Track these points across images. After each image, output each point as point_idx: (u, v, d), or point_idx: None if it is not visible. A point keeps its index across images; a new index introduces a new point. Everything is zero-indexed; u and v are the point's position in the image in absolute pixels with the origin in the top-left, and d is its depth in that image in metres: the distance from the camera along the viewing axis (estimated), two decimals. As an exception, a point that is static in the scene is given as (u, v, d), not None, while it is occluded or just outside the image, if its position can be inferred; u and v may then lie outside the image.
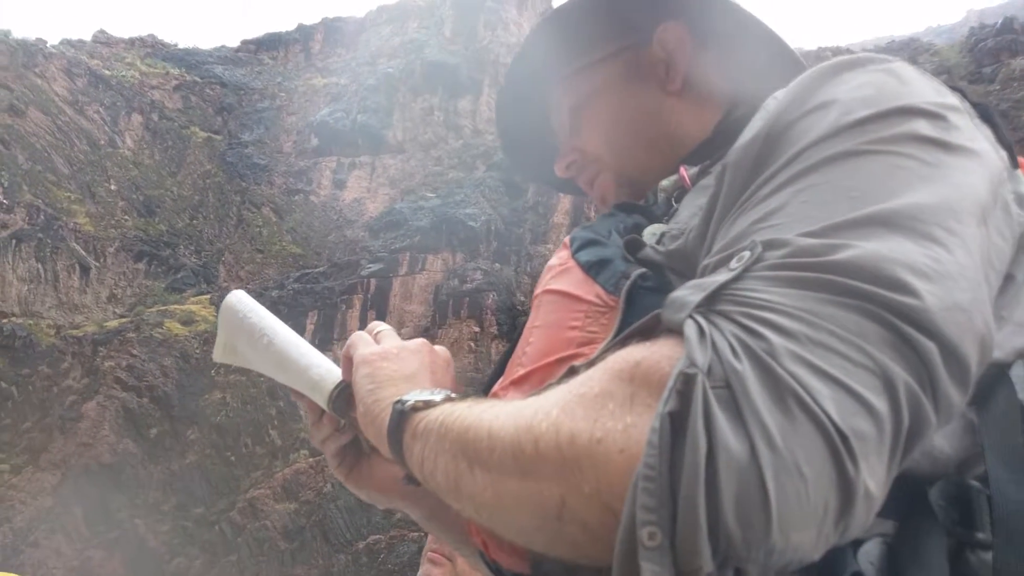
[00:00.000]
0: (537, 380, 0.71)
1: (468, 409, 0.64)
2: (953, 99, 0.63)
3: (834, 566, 0.52)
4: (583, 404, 0.52)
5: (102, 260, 24.87)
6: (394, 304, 21.27)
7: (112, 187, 26.13)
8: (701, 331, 0.49)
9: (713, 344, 0.48)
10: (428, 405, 0.72)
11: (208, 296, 23.04)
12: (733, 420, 0.45)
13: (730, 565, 0.45)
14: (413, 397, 0.74)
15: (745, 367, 0.46)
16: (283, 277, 23.17)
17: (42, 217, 24.48)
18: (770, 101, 0.65)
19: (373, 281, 21.60)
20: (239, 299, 1.08)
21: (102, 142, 26.62)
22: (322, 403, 0.97)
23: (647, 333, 0.56)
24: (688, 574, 0.44)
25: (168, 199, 26.56)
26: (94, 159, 26.26)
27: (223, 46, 30.12)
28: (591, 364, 0.57)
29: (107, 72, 27.37)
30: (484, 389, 0.85)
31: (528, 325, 0.79)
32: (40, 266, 24.03)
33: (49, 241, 24.28)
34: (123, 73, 27.72)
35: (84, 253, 24.74)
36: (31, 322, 23.35)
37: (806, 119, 0.60)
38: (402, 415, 0.73)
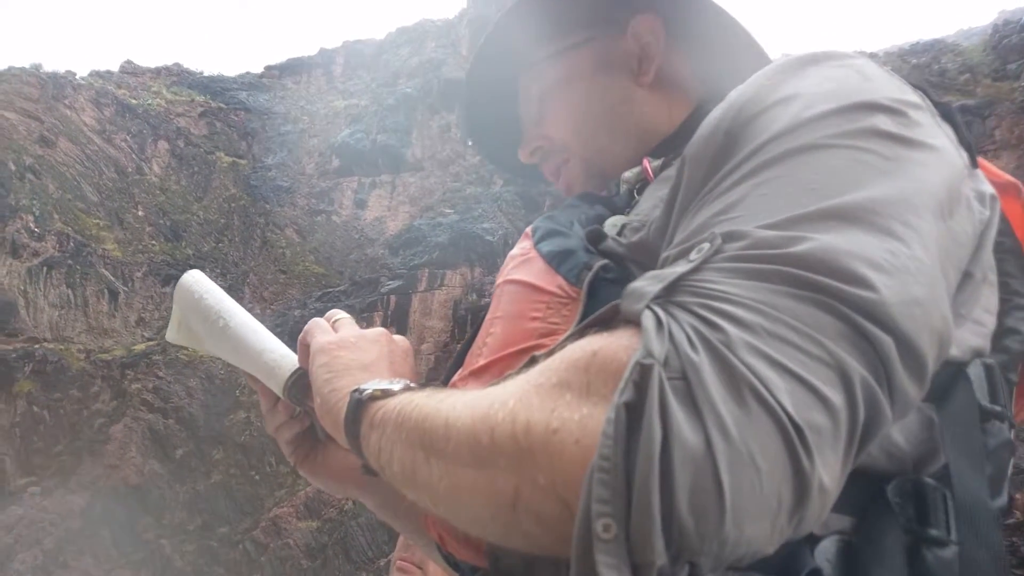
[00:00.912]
0: (497, 371, 0.70)
1: (426, 399, 0.64)
2: (915, 96, 0.63)
3: (792, 563, 0.53)
4: (540, 394, 0.52)
5: (130, 285, 25.27)
6: (414, 320, 21.32)
7: (140, 213, 26.59)
8: (659, 322, 0.49)
9: (670, 335, 0.48)
10: (386, 394, 0.71)
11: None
12: (689, 411, 0.44)
13: (684, 558, 0.44)
14: (371, 386, 0.73)
15: (702, 358, 0.46)
16: (306, 297, 23.38)
17: (72, 244, 24.95)
18: (732, 93, 0.65)
19: (393, 298, 21.69)
20: (196, 279, 1.06)
21: (130, 169, 27.14)
22: (277, 390, 0.96)
23: (606, 323, 0.55)
24: (642, 566, 0.43)
25: (194, 223, 26.96)
26: (122, 186, 26.77)
27: (247, 72, 30.65)
28: (550, 354, 0.56)
29: (134, 101, 27.95)
30: (444, 379, 0.84)
31: (489, 315, 0.78)
32: (70, 292, 24.46)
33: (79, 267, 24.72)
34: (149, 102, 28.28)
35: (113, 278, 25.15)
36: (62, 347, 23.74)
37: (768, 113, 0.60)
38: (359, 404, 0.72)
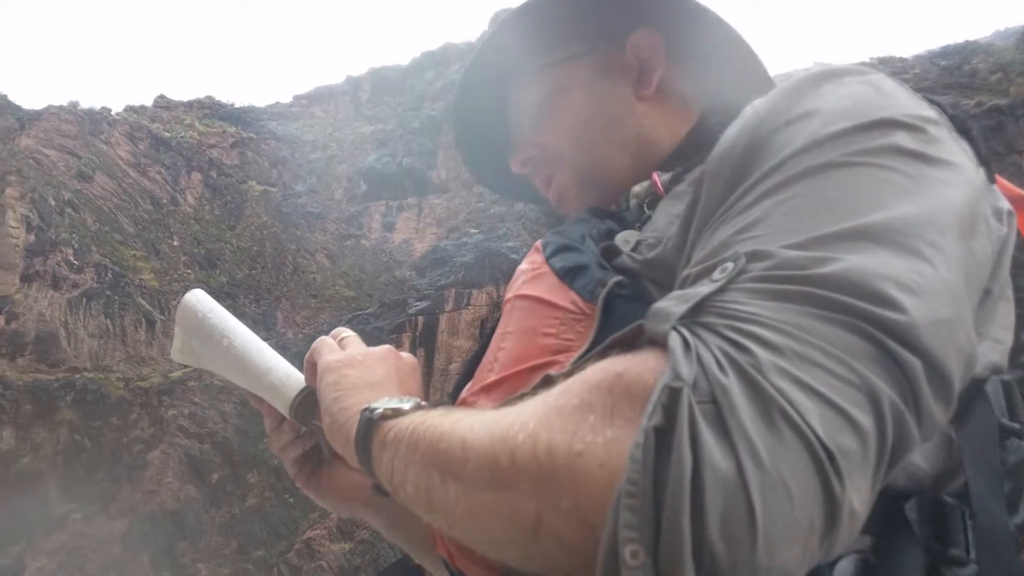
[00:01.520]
0: (510, 387, 0.70)
1: (440, 418, 0.64)
2: (932, 112, 0.63)
3: None
4: (562, 416, 0.51)
5: (167, 313, 25.74)
6: (442, 340, 21.40)
7: (175, 243, 27.12)
8: (686, 343, 0.48)
9: (699, 357, 0.47)
10: (398, 413, 0.71)
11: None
12: (719, 436, 0.43)
13: None
14: (382, 405, 0.73)
15: (731, 381, 0.45)
16: (336, 320, 23.61)
17: (110, 275, 25.50)
18: (748, 109, 0.65)
19: (420, 319, 21.81)
20: (198, 299, 1.06)
21: (164, 201, 27.73)
22: (283, 409, 0.96)
23: (628, 344, 0.55)
24: None
25: (228, 251, 27.42)
26: (157, 217, 27.35)
27: (277, 102, 31.19)
28: (569, 374, 0.55)
29: (167, 134, 28.60)
30: (452, 394, 0.84)
31: (499, 330, 0.78)
32: (109, 322, 24.97)
33: (117, 298, 25.24)
34: (182, 134, 28.92)
35: (150, 307, 25.65)
36: (101, 376, 24.23)
37: (787, 129, 0.60)
38: (370, 423, 0.72)
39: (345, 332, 0.95)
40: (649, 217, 0.82)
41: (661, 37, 0.94)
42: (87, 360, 24.54)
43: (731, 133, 0.64)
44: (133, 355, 24.98)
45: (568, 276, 0.74)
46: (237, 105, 31.49)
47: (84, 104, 27.06)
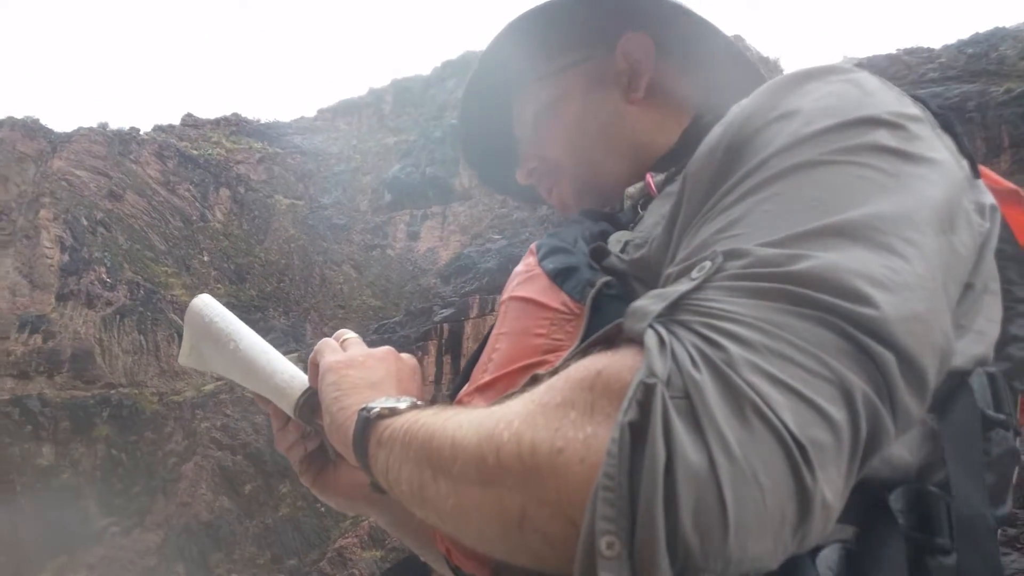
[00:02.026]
0: (502, 387, 0.71)
1: (433, 417, 0.65)
2: (915, 109, 0.63)
3: (793, 572, 0.53)
4: (545, 413, 0.52)
5: (199, 328, 26.15)
6: (467, 347, 21.44)
7: (205, 258, 27.55)
8: (661, 340, 0.49)
9: (673, 353, 0.48)
10: (393, 412, 0.73)
11: (296, 354, 23.88)
12: (692, 430, 0.44)
13: (688, 575, 0.44)
14: (379, 404, 0.75)
15: (704, 377, 0.46)
16: (363, 330, 23.72)
17: (142, 292, 25.96)
18: (733, 109, 0.66)
19: (446, 326, 21.92)
20: (205, 303, 1.07)
21: (194, 217, 28.19)
22: (288, 410, 0.98)
23: (609, 342, 0.56)
24: None
25: (257, 265, 27.79)
26: (187, 234, 27.81)
27: (302, 117, 31.62)
28: (554, 373, 0.57)
29: (195, 152, 29.08)
30: (451, 395, 0.86)
31: (495, 331, 0.80)
32: (142, 338, 25.41)
33: (149, 314, 25.69)
34: (210, 151, 29.38)
35: (182, 323, 26.03)
36: (136, 391, 24.65)
37: (769, 129, 0.61)
38: (367, 423, 0.74)
39: (348, 334, 0.97)
40: (641, 218, 0.83)
41: (651, 40, 0.95)
42: (122, 376, 24.98)
43: (714, 134, 0.65)
44: (166, 370, 25.38)
45: (559, 277, 0.75)
46: (263, 121, 32.00)
47: (113, 125, 27.63)
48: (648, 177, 0.86)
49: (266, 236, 28.53)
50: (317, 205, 28.53)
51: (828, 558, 0.56)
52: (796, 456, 0.45)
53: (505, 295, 0.81)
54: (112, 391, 24.43)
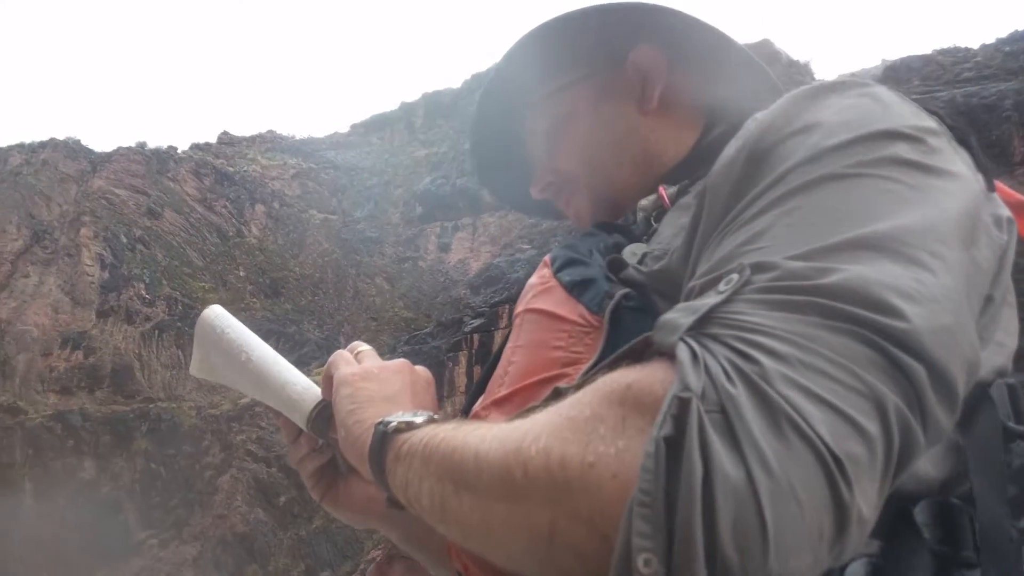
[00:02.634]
0: (520, 400, 0.71)
1: (453, 431, 0.64)
2: (932, 122, 0.64)
3: None
4: (573, 427, 0.52)
5: (235, 342, 26.54)
6: (498, 357, 21.50)
7: (241, 273, 27.96)
8: (694, 354, 0.49)
9: (706, 367, 0.48)
10: (411, 427, 0.71)
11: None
12: (728, 445, 0.44)
13: None
14: (396, 419, 0.73)
15: (739, 391, 0.46)
16: (396, 342, 23.95)
17: (180, 307, 26.43)
18: (750, 122, 0.66)
19: (476, 336, 21.98)
20: (216, 314, 1.06)
21: (230, 233, 28.65)
22: (300, 423, 0.97)
23: (637, 356, 0.56)
24: None
25: (291, 279, 28.13)
26: (224, 249, 28.26)
27: (335, 132, 32.03)
28: (579, 386, 0.56)
29: (231, 169, 29.59)
30: (464, 408, 0.86)
31: (510, 344, 0.79)
32: (180, 352, 25.84)
33: (187, 329, 26.06)
34: (246, 168, 29.87)
35: (219, 337, 26.49)
36: (174, 405, 25.06)
37: (789, 141, 0.61)
38: (384, 437, 0.73)
39: (362, 346, 0.96)
40: (656, 230, 0.82)
41: (662, 51, 0.94)
42: (160, 390, 25.40)
43: (733, 146, 0.65)
44: (203, 383, 25.74)
45: (576, 289, 0.74)
46: (298, 137, 32.47)
47: (151, 144, 28.17)
48: (661, 189, 0.86)
49: (301, 250, 28.89)
50: (350, 219, 28.85)
51: (855, 572, 0.55)
52: (833, 470, 0.44)
53: (520, 307, 0.79)
54: (151, 405, 24.86)
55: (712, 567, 0.43)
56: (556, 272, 0.77)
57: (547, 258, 0.81)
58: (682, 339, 0.50)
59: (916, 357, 0.48)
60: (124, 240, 26.90)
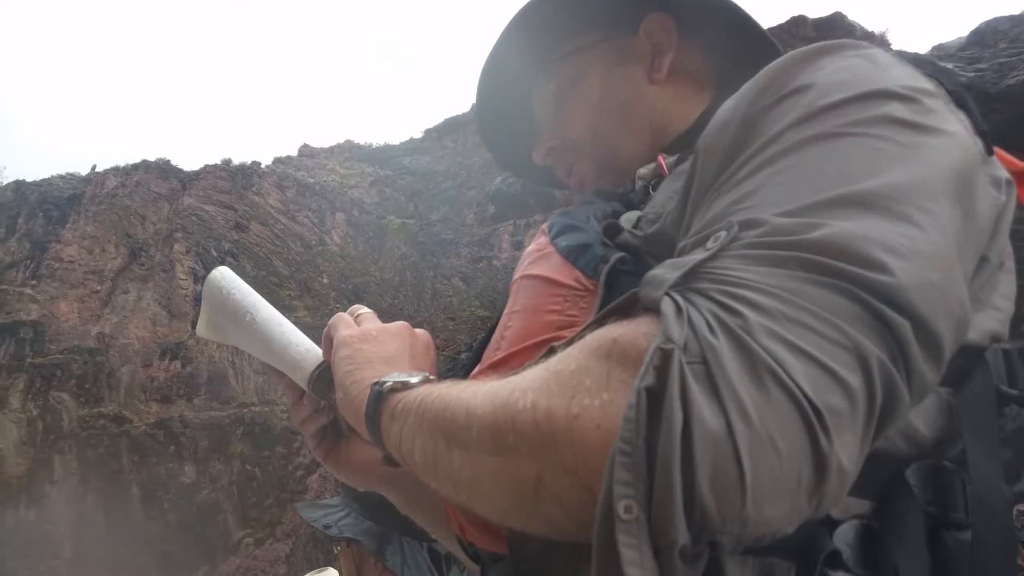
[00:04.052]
0: (516, 363, 0.71)
1: (446, 389, 0.66)
2: (928, 84, 0.64)
3: (811, 546, 0.54)
4: (560, 381, 0.53)
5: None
6: (570, 350, 21.47)
7: (324, 280, 28.72)
8: (678, 308, 0.50)
9: (689, 320, 0.48)
10: (406, 386, 0.73)
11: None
12: (709, 395, 0.45)
13: (704, 538, 0.45)
14: (391, 378, 0.75)
15: (721, 342, 0.46)
16: (472, 340, 24.21)
17: (268, 315, 27.29)
18: (746, 84, 0.66)
19: (549, 332, 22.00)
20: (223, 275, 1.08)
21: (313, 242, 29.47)
22: (302, 383, 0.98)
23: (625, 312, 0.56)
24: (663, 546, 0.44)
25: (372, 284, 28.74)
26: (307, 258, 29.08)
27: (410, 138, 32.52)
28: (570, 343, 0.58)
29: (311, 180, 30.42)
30: (463, 374, 0.86)
31: (507, 310, 0.80)
32: (270, 359, 26.68)
33: (276, 336, 26.90)
34: (325, 179, 30.65)
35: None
36: (267, 409, 25.90)
37: (783, 103, 0.61)
38: (380, 396, 0.74)
39: (361, 309, 0.98)
40: (653, 197, 0.83)
41: (672, 21, 0.94)
42: (253, 395, 26.32)
43: (726, 107, 0.65)
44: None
45: (572, 254, 0.75)
46: (374, 145, 33.06)
47: (236, 160, 29.22)
48: (660, 158, 0.87)
49: (380, 255, 29.48)
50: (426, 222, 29.31)
51: (846, 533, 0.56)
52: (813, 421, 0.44)
53: (517, 274, 0.81)
54: (245, 410, 25.77)
55: (690, 513, 0.43)
56: (553, 238, 0.79)
57: (544, 225, 0.84)
58: (667, 293, 0.52)
59: (901, 311, 0.48)
60: (214, 254, 27.99)
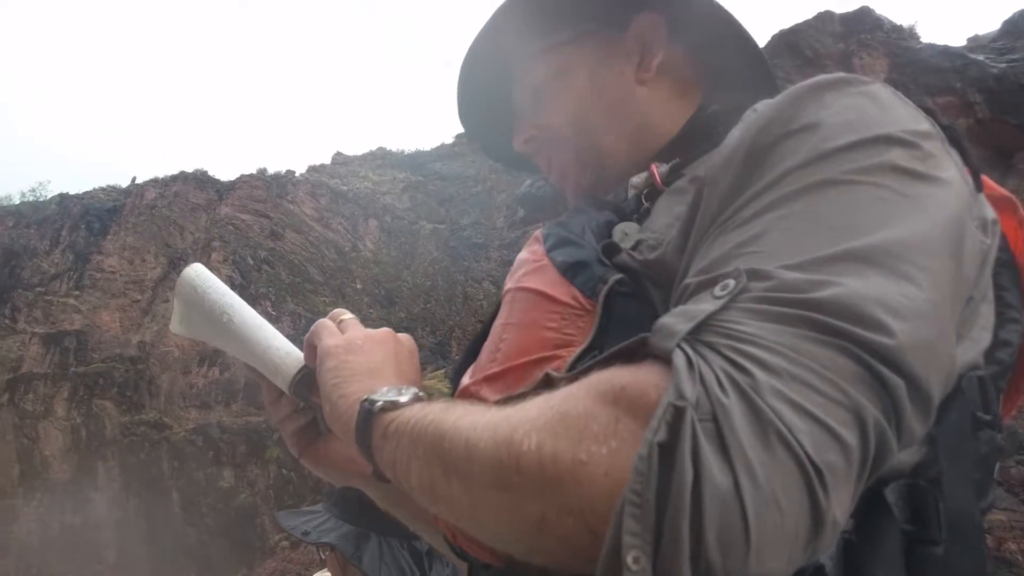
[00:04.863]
0: (512, 379, 0.72)
1: (442, 413, 0.65)
2: (926, 125, 0.65)
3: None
4: (565, 424, 0.53)
5: (355, 352, 27.53)
6: (598, 352, 21.37)
7: (358, 286, 29.05)
8: (689, 362, 0.51)
9: (701, 376, 0.49)
10: (396, 406, 0.72)
11: (443, 371, 24.70)
12: (718, 453, 0.46)
13: None
14: (381, 397, 0.74)
15: (732, 401, 0.48)
16: (501, 343, 24.28)
17: (303, 322, 27.59)
18: (749, 114, 0.67)
19: (576, 332, 21.94)
20: (198, 273, 1.05)
21: (347, 249, 29.84)
22: (283, 386, 0.97)
23: (630, 355, 0.57)
24: None
25: (405, 289, 28.99)
26: (341, 264, 29.45)
27: (441, 144, 32.74)
28: (571, 377, 0.58)
29: (344, 188, 30.81)
30: (453, 375, 0.87)
31: (501, 320, 0.79)
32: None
33: (310, 342, 27.23)
34: (358, 186, 31.03)
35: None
36: (302, 415, 26.24)
37: (788, 141, 0.62)
38: (370, 415, 0.73)
39: (344, 314, 0.96)
40: (647, 209, 0.83)
41: (663, 21, 0.94)
42: (289, 401, 26.65)
43: (733, 139, 0.66)
44: (327, 393, 26.79)
45: (569, 271, 0.75)
46: (406, 151, 33.39)
47: (271, 169, 29.74)
48: (653, 167, 0.86)
49: (412, 260, 29.73)
50: (457, 227, 29.48)
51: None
52: (813, 479, 0.46)
53: (510, 283, 0.81)
54: (281, 415, 26.12)
55: (696, 566, 0.45)
56: (549, 251, 0.78)
57: (538, 234, 0.83)
58: (679, 346, 0.52)
59: (898, 372, 0.50)
60: (251, 262, 28.46)
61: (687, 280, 0.61)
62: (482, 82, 1.06)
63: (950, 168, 0.63)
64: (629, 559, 0.45)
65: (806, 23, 20.33)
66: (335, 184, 30.96)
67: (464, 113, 1.12)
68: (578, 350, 0.63)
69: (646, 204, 0.83)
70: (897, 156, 0.60)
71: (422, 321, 27.84)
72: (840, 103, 0.63)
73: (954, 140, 0.68)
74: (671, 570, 0.45)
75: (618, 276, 0.71)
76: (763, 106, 0.65)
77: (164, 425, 26.33)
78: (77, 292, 28.33)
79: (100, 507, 25.07)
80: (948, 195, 0.60)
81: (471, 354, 0.82)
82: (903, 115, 0.64)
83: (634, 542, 0.46)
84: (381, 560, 2.31)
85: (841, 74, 0.66)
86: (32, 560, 24.44)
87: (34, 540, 24.74)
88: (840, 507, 0.48)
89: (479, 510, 0.58)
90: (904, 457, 0.61)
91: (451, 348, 26.44)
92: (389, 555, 2.33)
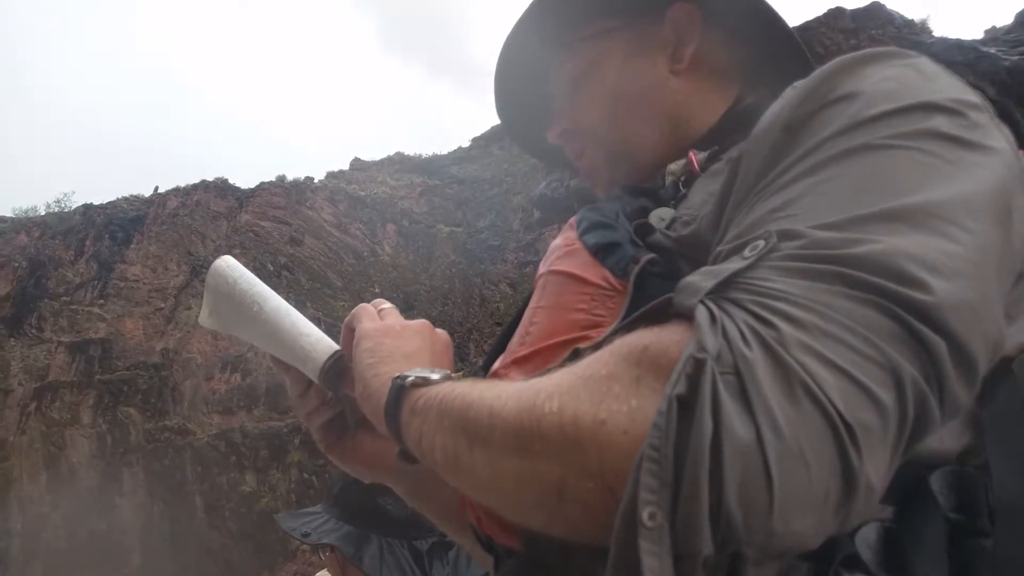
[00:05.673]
0: (541, 361, 0.71)
1: (469, 388, 0.65)
2: (974, 96, 0.62)
3: (830, 548, 0.52)
4: (588, 386, 0.52)
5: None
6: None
7: (376, 290, 29.11)
8: (712, 317, 0.49)
9: (723, 330, 0.48)
10: (427, 382, 0.72)
11: (461, 372, 24.66)
12: (740, 406, 0.44)
13: (728, 549, 0.44)
14: (413, 374, 0.74)
15: (755, 354, 0.46)
16: (518, 345, 24.29)
17: (323, 326, 26.24)
18: (789, 90, 0.65)
19: (591, 334, 21.87)
20: (229, 264, 1.05)
21: (365, 254, 29.99)
22: (312, 374, 0.96)
23: (656, 318, 0.56)
24: (686, 555, 0.44)
25: (423, 292, 29.06)
26: (360, 269, 29.60)
27: (458, 147, 32.82)
28: (597, 347, 0.57)
29: (362, 193, 30.96)
30: (484, 365, 0.86)
31: (532, 305, 0.79)
32: (325, 369, 27.13)
33: (330, 346, 27.38)
34: (375, 191, 31.16)
35: (359, 352, 27.69)
36: (322, 419, 26.41)
37: (828, 110, 0.60)
38: (401, 390, 0.74)
39: (384, 304, 0.97)
40: (684, 195, 0.81)
41: (698, 11, 0.93)
42: (310, 405, 26.84)
43: (771, 112, 0.64)
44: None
45: (600, 253, 0.74)
46: (423, 156, 33.48)
47: (290, 176, 29.98)
48: (691, 154, 0.85)
49: (430, 264, 29.79)
50: (474, 230, 29.52)
51: (867, 536, 0.55)
52: (844, 436, 0.44)
53: (543, 269, 0.80)
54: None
55: (716, 523, 0.43)
56: (581, 235, 0.78)
57: (572, 219, 0.82)
58: (702, 302, 0.51)
59: (937, 330, 0.48)
60: (271, 268, 28.65)
61: (719, 248, 0.59)
62: (518, 76, 1.06)
63: (998, 139, 0.60)
64: (645, 515, 0.44)
65: (816, 20, 20.14)
66: (353, 190, 31.15)
67: (501, 107, 1.12)
68: (608, 331, 0.61)
69: (683, 191, 0.82)
70: (940, 123, 0.57)
71: (440, 324, 26.95)
72: (881, 74, 0.61)
73: (1006, 115, 0.64)
74: (689, 527, 0.43)
75: (649, 256, 0.70)
76: (801, 81, 0.64)
77: (187, 431, 26.59)
78: (101, 301, 28.73)
79: (126, 512, 25.42)
80: (995, 162, 0.57)
81: (503, 342, 0.83)
82: (948, 85, 0.61)
83: (650, 498, 0.44)
84: (382, 560, 2.30)
85: (884, 48, 0.64)
86: (61, 566, 24.82)
87: (62, 546, 25.13)
88: (876, 471, 0.45)
89: (500, 478, 0.57)
90: (950, 442, 0.58)
91: (469, 351, 26.47)
92: (389, 555, 2.32)
